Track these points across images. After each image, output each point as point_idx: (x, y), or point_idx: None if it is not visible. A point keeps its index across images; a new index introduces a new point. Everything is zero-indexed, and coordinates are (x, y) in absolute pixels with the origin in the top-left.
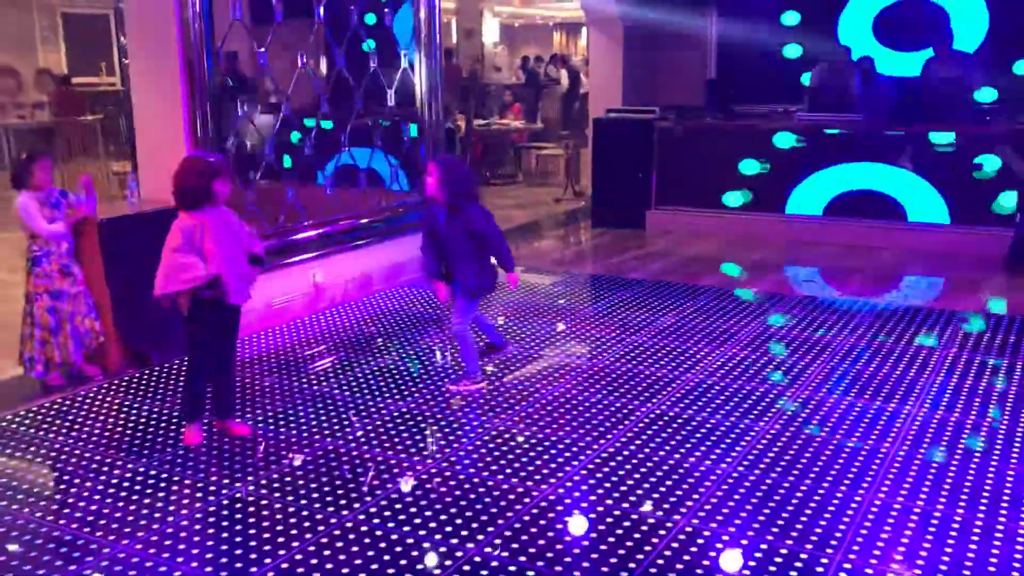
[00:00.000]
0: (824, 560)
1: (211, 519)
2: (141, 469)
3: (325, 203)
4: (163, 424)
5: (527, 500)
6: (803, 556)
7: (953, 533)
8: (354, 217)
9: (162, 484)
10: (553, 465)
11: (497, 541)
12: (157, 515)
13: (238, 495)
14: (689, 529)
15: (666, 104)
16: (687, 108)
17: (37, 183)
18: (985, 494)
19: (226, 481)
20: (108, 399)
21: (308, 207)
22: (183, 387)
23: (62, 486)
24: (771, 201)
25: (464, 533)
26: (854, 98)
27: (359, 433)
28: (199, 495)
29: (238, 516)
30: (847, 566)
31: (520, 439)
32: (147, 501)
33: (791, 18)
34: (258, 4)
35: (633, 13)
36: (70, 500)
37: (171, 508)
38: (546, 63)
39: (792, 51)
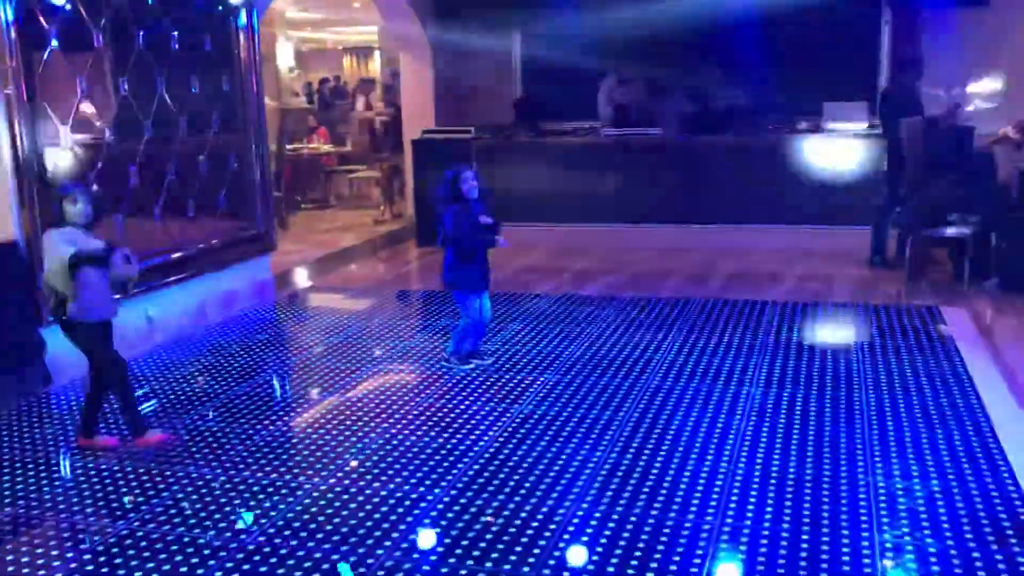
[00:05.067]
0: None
1: (88, 567)
2: (7, 517)
3: (153, 234)
4: (20, 469)
5: (423, 504)
6: (671, 523)
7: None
8: (184, 248)
9: (23, 532)
10: (440, 469)
11: (404, 546)
12: (25, 570)
13: (123, 532)
14: (557, 518)
15: (478, 123)
16: (498, 127)
17: None
18: (826, 454)
19: (106, 520)
20: None
21: (137, 239)
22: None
23: None
24: (590, 212)
25: (368, 544)
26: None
27: (232, 455)
28: (68, 543)
29: (117, 560)
30: (726, 529)
31: (401, 448)
32: (9, 556)
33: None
34: (75, 30)
35: (441, 36)
36: None
37: (39, 560)
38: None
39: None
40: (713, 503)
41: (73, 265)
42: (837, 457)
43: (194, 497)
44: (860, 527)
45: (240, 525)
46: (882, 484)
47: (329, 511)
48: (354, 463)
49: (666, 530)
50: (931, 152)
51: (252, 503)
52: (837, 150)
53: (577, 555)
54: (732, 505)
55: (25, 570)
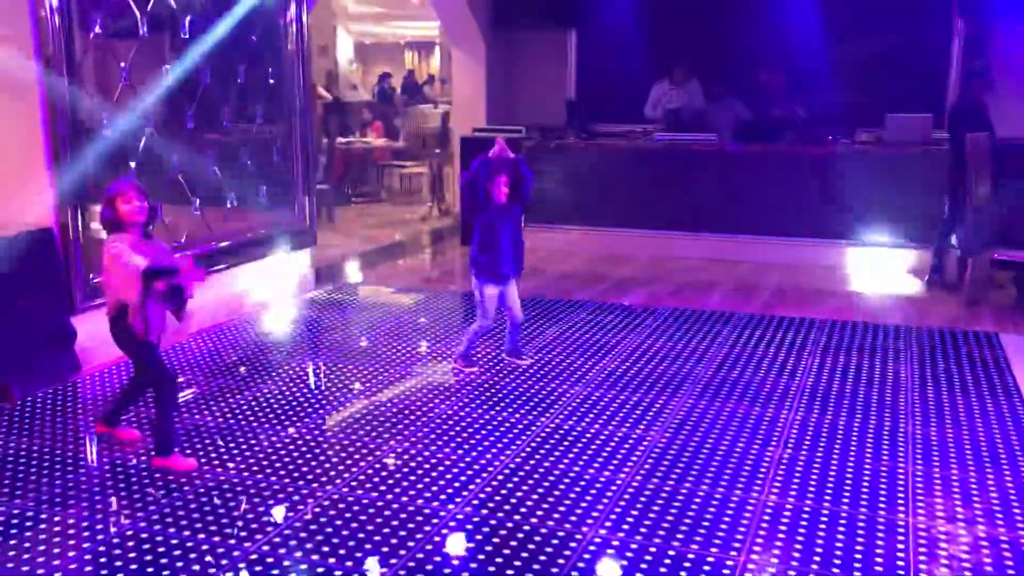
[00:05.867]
0: (730, 561)
1: (102, 559)
2: (16, 511)
3: (193, 225)
4: (35, 461)
5: (435, 521)
6: (692, 556)
7: (841, 529)
8: (222, 239)
9: (41, 525)
10: (457, 484)
11: (411, 564)
12: (40, 559)
13: (129, 532)
14: (598, 539)
15: (528, 123)
16: (549, 128)
17: None
18: (864, 490)
19: (112, 518)
20: None
21: (177, 227)
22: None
23: None
24: (636, 218)
25: (376, 557)
26: (707, 119)
27: (251, 462)
28: (85, 534)
29: (131, 555)
30: (751, 566)
31: (419, 459)
32: (26, 544)
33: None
34: (120, 16)
35: (496, 34)
36: None
37: (55, 550)
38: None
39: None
40: (739, 538)
41: (145, 278)
42: (876, 494)
43: (204, 499)
44: (896, 574)
45: (243, 532)
46: (923, 527)
47: (338, 522)
48: (373, 469)
49: (687, 563)
50: (998, 170)
51: (261, 509)
52: (898, 164)
53: None
54: (759, 541)
55: (24, 568)
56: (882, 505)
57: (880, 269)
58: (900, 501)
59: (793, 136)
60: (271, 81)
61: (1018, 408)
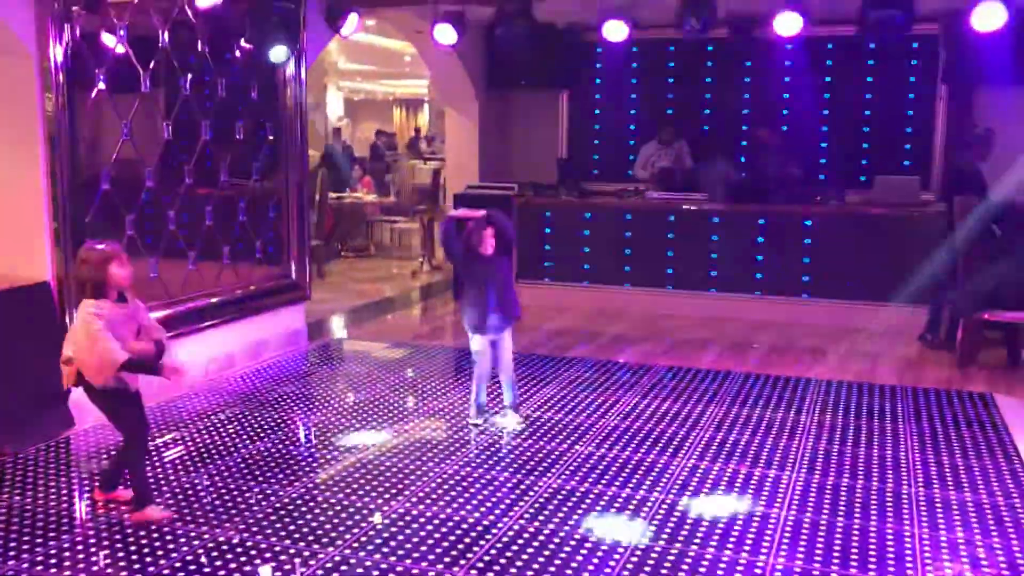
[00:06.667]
0: None
1: None
2: (10, 572)
3: (188, 279)
4: (28, 520)
5: None
6: None
7: None
8: (216, 294)
9: None
10: (460, 546)
11: None
12: None
13: None
14: None
15: (521, 181)
16: (541, 185)
17: None
18: (872, 554)
19: (123, 574)
20: None
21: (172, 283)
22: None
23: None
24: (628, 275)
25: None
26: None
27: (249, 522)
28: None
29: None
30: None
31: (422, 520)
32: None
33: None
34: (120, 72)
35: (489, 92)
36: None
37: None
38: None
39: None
40: None
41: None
42: (883, 556)
43: (190, 559)
44: None
45: None
46: None
47: None
48: (364, 537)
49: None
50: (989, 232)
51: (254, 573)
52: (886, 224)
53: None
54: None
55: None
56: (891, 568)
57: (872, 328)
58: (909, 564)
59: (783, 196)
60: (270, 137)
61: (1018, 471)
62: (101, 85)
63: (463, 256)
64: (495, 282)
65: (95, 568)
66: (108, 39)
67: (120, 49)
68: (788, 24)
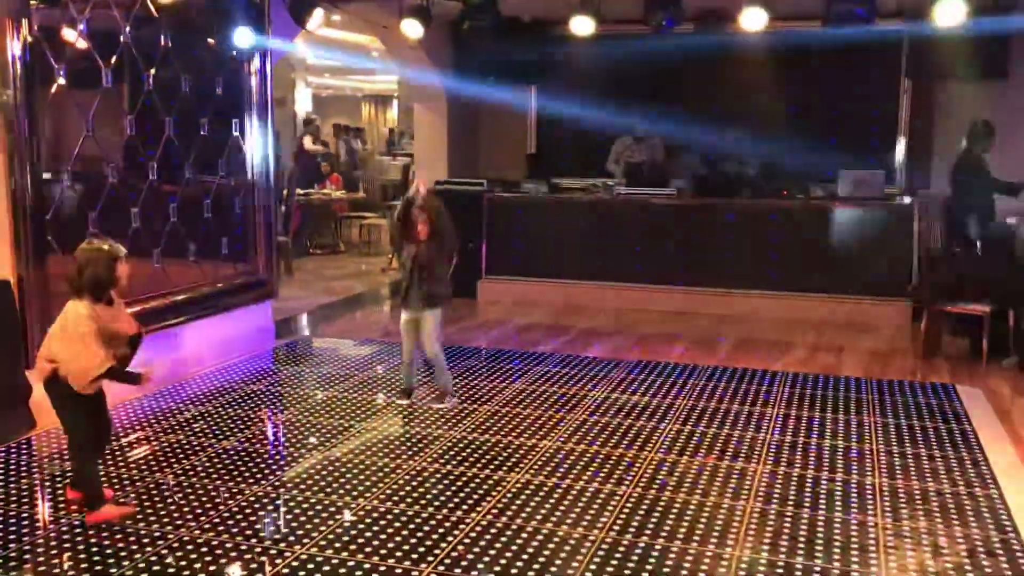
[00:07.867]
0: None
1: None
2: None
3: (153, 277)
4: None
5: None
6: None
7: None
8: (182, 292)
9: None
10: (429, 542)
11: None
12: None
13: None
14: None
15: (490, 177)
16: (510, 181)
17: None
18: (837, 544)
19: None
20: None
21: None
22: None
23: None
24: (598, 271)
25: None
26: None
27: (215, 521)
28: None
29: None
30: None
31: (390, 516)
32: None
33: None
34: (81, 67)
35: (457, 88)
36: None
37: None
38: (349, 136)
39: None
40: None
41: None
42: (848, 546)
43: (154, 559)
44: None
45: None
46: None
47: None
48: (332, 534)
49: None
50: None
51: (219, 572)
52: (851, 218)
53: None
54: None
55: None
56: (855, 558)
57: (838, 320)
58: (872, 554)
59: (748, 191)
60: (235, 133)
61: (979, 460)
62: (61, 80)
63: (399, 233)
64: (419, 264)
65: (56, 572)
66: (68, 34)
67: (81, 44)
68: (753, 19)
